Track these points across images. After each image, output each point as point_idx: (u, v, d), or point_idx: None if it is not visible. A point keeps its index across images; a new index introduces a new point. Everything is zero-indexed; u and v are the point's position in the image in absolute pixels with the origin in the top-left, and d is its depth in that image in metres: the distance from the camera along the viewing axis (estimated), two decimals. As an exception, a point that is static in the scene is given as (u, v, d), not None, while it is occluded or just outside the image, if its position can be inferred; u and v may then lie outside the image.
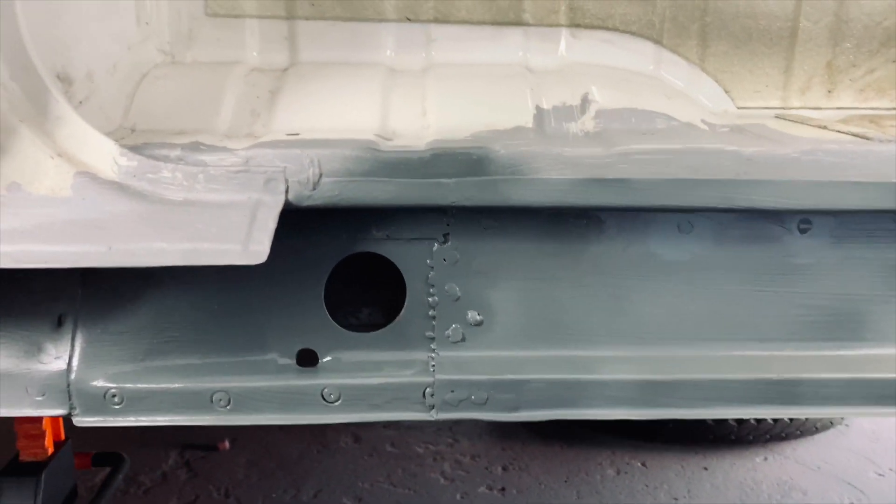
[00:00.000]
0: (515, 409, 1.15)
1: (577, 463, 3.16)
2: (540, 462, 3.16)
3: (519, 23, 1.55)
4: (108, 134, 1.20)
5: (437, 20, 1.54)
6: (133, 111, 1.32)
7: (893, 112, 1.56)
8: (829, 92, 1.59)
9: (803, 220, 1.17)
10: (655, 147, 1.15)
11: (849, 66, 1.58)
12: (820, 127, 1.34)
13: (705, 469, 3.10)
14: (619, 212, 1.15)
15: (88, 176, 1.02)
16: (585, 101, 1.37)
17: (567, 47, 1.57)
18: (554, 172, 1.11)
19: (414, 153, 1.13)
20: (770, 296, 1.19)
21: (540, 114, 1.34)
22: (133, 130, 1.26)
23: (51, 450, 1.80)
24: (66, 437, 1.89)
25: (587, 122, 1.33)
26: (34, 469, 1.73)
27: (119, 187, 1.02)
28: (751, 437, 3.19)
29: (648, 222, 1.18)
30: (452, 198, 1.09)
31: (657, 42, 1.57)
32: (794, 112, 1.57)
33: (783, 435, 3.19)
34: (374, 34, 1.55)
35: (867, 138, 1.19)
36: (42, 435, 1.77)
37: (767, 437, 3.18)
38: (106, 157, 1.04)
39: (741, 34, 1.56)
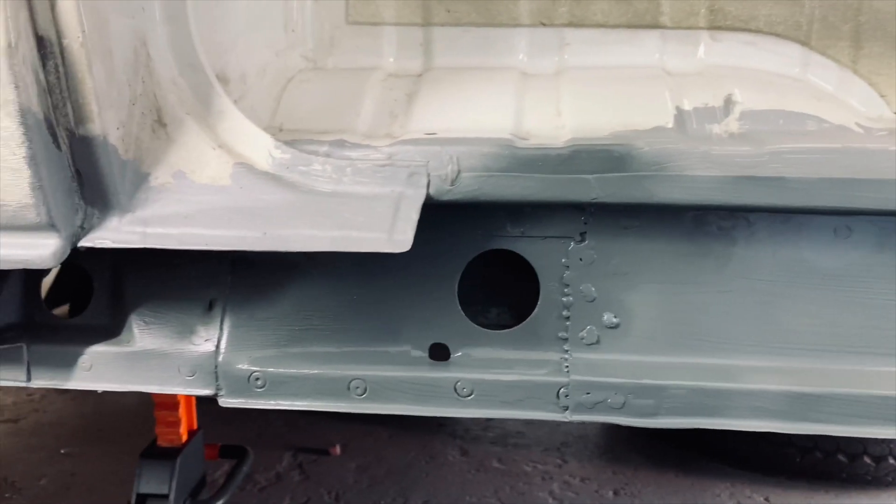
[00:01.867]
0: (654, 415, 1.11)
1: (693, 493, 3.02)
2: (653, 489, 3.04)
3: (656, 25, 1.52)
4: (260, 131, 1.26)
5: (571, 24, 1.54)
6: (280, 112, 1.38)
7: None
8: None
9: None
10: (811, 146, 1.09)
11: None
12: None
13: (836, 509, 2.88)
14: (770, 213, 1.10)
15: (246, 167, 1.08)
16: (729, 103, 1.32)
17: (706, 50, 1.53)
18: (700, 170, 1.07)
19: (552, 150, 1.13)
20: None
21: (680, 114, 1.30)
22: (280, 129, 1.33)
23: (185, 437, 1.90)
24: (198, 427, 1.99)
25: (731, 124, 1.28)
26: (171, 454, 1.83)
27: (273, 178, 1.07)
28: (890, 479, 2.93)
29: (801, 225, 1.11)
30: (594, 194, 1.08)
31: (804, 44, 1.50)
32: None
33: (928, 479, 2.92)
34: (507, 39, 1.56)
35: None
36: (178, 422, 1.87)
37: (909, 479, 2.92)
38: (262, 149, 1.10)
39: (900, 34, 1.46)
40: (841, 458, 2.89)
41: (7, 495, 2.91)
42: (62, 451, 3.26)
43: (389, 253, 1.01)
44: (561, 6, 1.54)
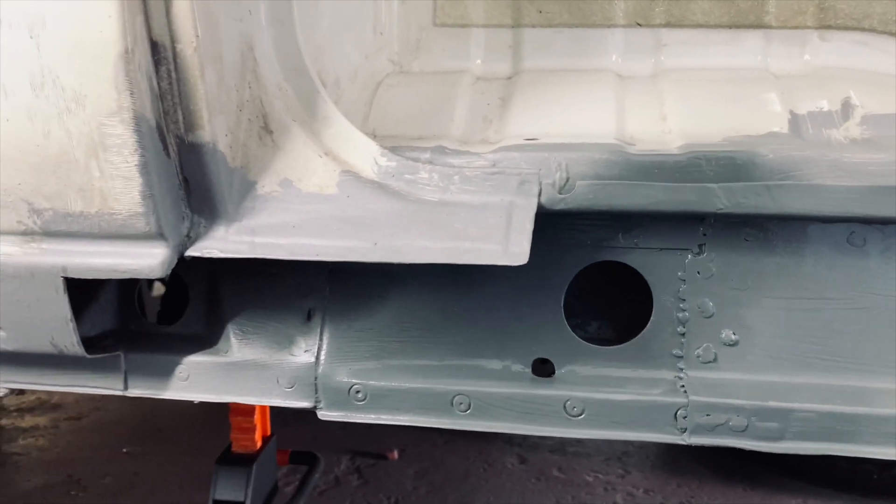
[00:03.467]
0: (779, 438, 1.04)
1: (761, 508, 2.92)
2: (720, 502, 2.95)
3: (760, 25, 1.45)
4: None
5: (669, 24, 1.48)
6: (372, 117, 1.35)
7: None
8: None
9: None
10: (954, 154, 1.01)
11: None
12: None
13: (922, 532, 2.75)
14: None
15: (352, 175, 1.05)
16: (847, 106, 1.25)
17: (813, 50, 1.45)
18: (831, 179, 1.01)
19: (669, 156, 1.07)
20: None
21: (795, 119, 1.23)
22: (374, 135, 1.29)
23: (259, 443, 1.89)
24: (272, 434, 1.97)
25: (851, 128, 1.20)
26: (246, 460, 1.81)
27: (380, 186, 1.04)
28: None
29: None
30: (719, 204, 1.02)
31: (924, 44, 1.41)
32: None
33: None
34: (600, 40, 1.50)
35: None
36: (253, 428, 1.86)
37: None
38: (367, 157, 1.06)
39: None
40: (926, 476, 2.76)
41: (73, 493, 2.95)
42: (124, 450, 3.30)
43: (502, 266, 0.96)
44: (658, 6, 1.48)
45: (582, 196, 1.05)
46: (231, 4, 0.99)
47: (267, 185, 1.03)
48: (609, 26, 1.49)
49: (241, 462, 1.82)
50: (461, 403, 1.11)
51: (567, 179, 1.06)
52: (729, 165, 1.05)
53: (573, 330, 1.17)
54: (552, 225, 1.12)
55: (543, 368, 1.15)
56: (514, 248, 0.95)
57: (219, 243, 1.00)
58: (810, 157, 1.04)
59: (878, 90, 1.33)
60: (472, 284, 1.17)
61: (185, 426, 3.43)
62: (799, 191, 0.99)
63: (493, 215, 1.01)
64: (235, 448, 1.88)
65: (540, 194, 1.05)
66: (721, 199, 1.01)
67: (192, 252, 1.00)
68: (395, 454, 3.23)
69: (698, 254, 1.10)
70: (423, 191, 1.05)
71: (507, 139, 1.22)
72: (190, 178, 0.99)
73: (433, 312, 1.16)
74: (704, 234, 1.09)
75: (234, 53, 1.00)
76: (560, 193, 1.05)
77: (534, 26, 1.52)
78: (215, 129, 0.97)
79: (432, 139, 1.23)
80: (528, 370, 1.14)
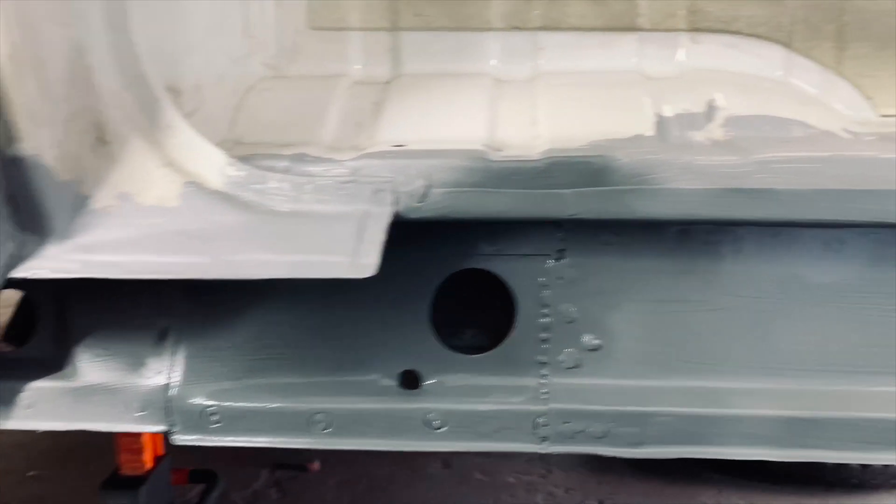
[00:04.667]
0: (638, 444, 1.04)
1: (680, 501, 2.96)
2: (638, 499, 2.98)
3: (634, 28, 1.46)
4: (215, 145, 1.18)
5: (545, 27, 1.47)
6: (239, 123, 1.30)
7: None
8: None
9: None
10: (799, 155, 1.03)
11: None
12: None
13: (824, 515, 2.84)
14: (759, 227, 1.03)
15: (196, 186, 1.00)
16: (711, 108, 1.26)
17: (687, 53, 1.47)
18: (684, 182, 1.01)
19: (528, 163, 1.06)
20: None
21: (661, 121, 1.24)
22: (239, 143, 1.24)
23: (150, 465, 1.80)
24: (166, 453, 1.89)
25: (714, 130, 1.21)
26: (134, 483, 1.73)
27: (226, 198, 0.99)
28: (877, 482, 2.90)
29: (792, 239, 1.05)
30: (571, 210, 1.01)
31: (787, 46, 1.44)
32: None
33: (915, 481, 2.88)
34: (479, 44, 1.49)
35: None
36: (142, 450, 1.77)
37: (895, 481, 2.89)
38: (214, 167, 1.02)
39: (884, 35, 1.41)
40: (827, 462, 2.85)
41: (-28, 522, 2.80)
42: (29, 474, 3.14)
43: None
44: (534, 9, 1.47)
45: (438, 204, 1.03)
46: (55, 8, 0.93)
47: (103, 199, 0.97)
48: (487, 30, 1.48)
49: (128, 485, 1.73)
50: (320, 422, 1.07)
51: (428, 187, 1.04)
52: (584, 170, 1.04)
53: (449, 339, 1.15)
54: (415, 233, 1.10)
55: (411, 381, 1.12)
56: (362, 260, 0.92)
57: (49, 262, 0.94)
58: (664, 161, 1.04)
59: (742, 91, 1.35)
60: (336, 297, 1.13)
61: (98, 446, 3.29)
62: (650, 195, 0.99)
63: (345, 226, 0.98)
64: (124, 471, 1.79)
65: (395, 203, 1.02)
66: (573, 205, 1.01)
67: (19, 273, 0.93)
68: (317, 465, 3.16)
69: (558, 259, 1.09)
70: (274, 201, 1.01)
71: (377, 145, 1.19)
72: (16, 193, 0.93)
73: (296, 327, 1.12)
74: (564, 240, 1.08)
75: (59, 61, 0.94)
76: (417, 202, 1.02)
77: (412, 30, 1.49)
78: (40, 141, 0.91)
79: (300, 146, 1.20)
80: (396, 383, 1.11)
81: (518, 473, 3.12)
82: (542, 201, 1.01)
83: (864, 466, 2.87)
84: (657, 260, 1.08)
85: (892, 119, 1.43)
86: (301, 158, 1.11)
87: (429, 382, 1.11)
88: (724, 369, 1.06)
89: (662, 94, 1.34)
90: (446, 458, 3.21)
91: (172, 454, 1.98)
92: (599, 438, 1.04)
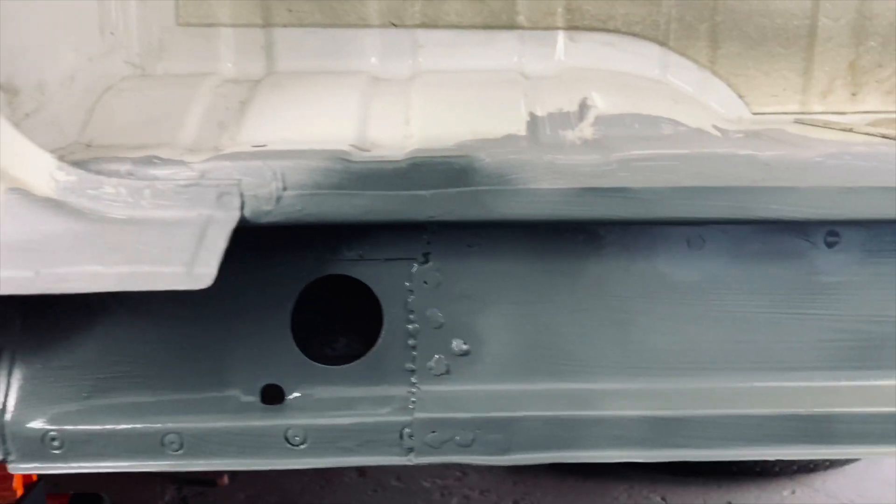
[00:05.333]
0: (506, 451, 1.01)
1: (593, 498, 3.00)
2: (553, 497, 3.00)
3: (513, 26, 1.44)
4: (61, 149, 1.10)
5: (424, 25, 1.43)
6: (92, 126, 1.21)
7: (924, 115, 1.42)
8: (854, 95, 1.45)
9: (830, 232, 1.03)
10: (659, 153, 1.02)
11: (874, 67, 1.44)
12: (845, 130, 1.20)
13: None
14: (621, 226, 1.02)
15: (21, 193, 0.91)
16: (584, 107, 1.25)
17: (565, 51, 1.45)
18: (545, 182, 0.99)
19: (389, 163, 1.01)
20: (795, 319, 1.05)
21: (534, 121, 1.22)
22: (89, 146, 1.16)
23: (20, 492, 1.68)
24: (39, 478, 1.77)
25: (585, 129, 1.20)
26: (0, 513, 1.61)
27: (55, 205, 0.91)
28: (777, 469, 3.00)
29: (654, 237, 1.04)
30: (430, 212, 0.97)
31: (663, 44, 1.45)
32: (815, 118, 1.44)
33: (811, 466, 3.01)
34: (356, 41, 1.44)
35: (901, 140, 1.05)
36: (10, 476, 1.65)
37: (795, 468, 3.00)
38: (42, 171, 0.93)
39: (755, 34, 1.43)
40: (731, 452, 2.93)
41: None
42: None
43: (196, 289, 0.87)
44: (412, 6, 1.43)
45: (292, 208, 0.97)
46: None
47: None
48: (364, 26, 1.43)
49: (-5, 516, 1.61)
50: (173, 443, 1.00)
51: (281, 190, 0.98)
52: (446, 171, 1.00)
53: (319, 348, 1.09)
54: (273, 240, 1.04)
55: (274, 396, 1.06)
56: (199, 270, 0.86)
57: None
58: (526, 161, 1.02)
59: (617, 90, 1.35)
60: (190, 308, 1.06)
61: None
62: (508, 196, 0.97)
63: (185, 232, 0.91)
64: (-8, 500, 1.67)
65: (243, 207, 0.96)
66: (432, 207, 0.97)
67: None
68: (226, 479, 3.05)
69: (424, 263, 1.05)
70: (109, 208, 0.93)
71: (239, 146, 1.13)
72: None
73: (147, 342, 1.05)
74: (429, 243, 1.04)
75: None
76: (268, 206, 0.97)
77: (285, 26, 1.43)
78: None
79: (154, 148, 1.12)
80: (257, 399, 1.05)
81: (434, 478, 3.09)
82: (401, 203, 0.97)
83: (766, 455, 2.97)
84: (523, 261, 1.05)
85: (764, 117, 1.45)
86: (148, 161, 1.03)
87: (293, 397, 1.05)
88: (592, 370, 1.05)
89: (539, 93, 1.32)
90: (362, 467, 3.14)
91: (55, 479, 1.86)
92: (466, 447, 1.01)
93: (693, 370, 1.05)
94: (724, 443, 1.01)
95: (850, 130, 1.19)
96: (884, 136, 1.11)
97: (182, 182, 0.95)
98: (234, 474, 3.05)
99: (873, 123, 1.35)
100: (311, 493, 3.01)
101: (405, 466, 3.09)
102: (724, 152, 1.02)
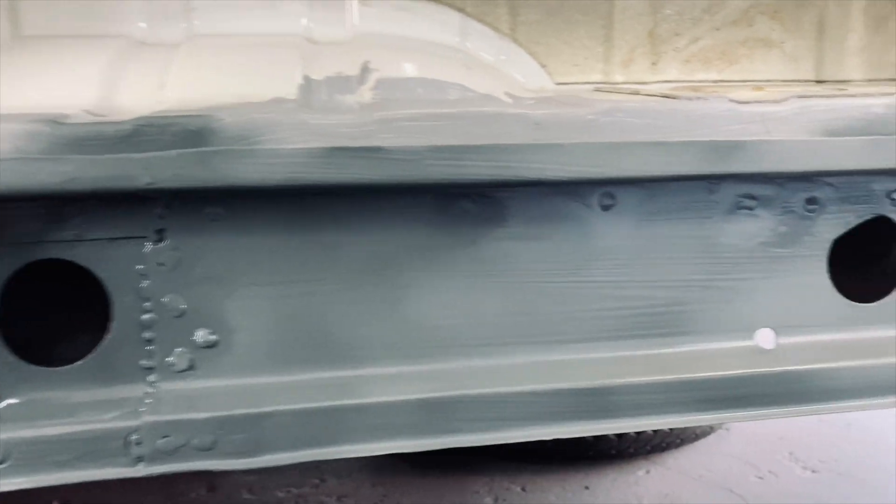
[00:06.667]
0: (253, 452, 0.89)
1: (453, 494, 2.93)
2: (414, 496, 2.91)
3: (301, -11, 1.32)
4: None
5: (197, -14, 1.29)
6: None
7: (721, 84, 1.42)
8: (654, 64, 1.43)
9: (605, 194, 0.98)
10: (424, 112, 0.93)
11: (672, 36, 1.43)
12: (631, 93, 1.16)
13: (586, 488, 2.94)
14: (375, 191, 0.91)
15: None
16: (365, 70, 1.14)
17: (360, 17, 1.35)
18: (294, 143, 0.87)
19: (109, 125, 0.87)
20: (574, 288, 0.98)
21: (308, 84, 1.10)
22: None
23: None
24: None
25: (365, 93, 1.10)
26: None
27: None
28: (632, 450, 3.05)
29: (415, 203, 0.94)
30: (148, 178, 0.83)
31: (461, 10, 1.37)
32: (618, 87, 1.40)
33: (664, 445, 3.07)
34: (119, 4, 1.27)
35: (674, 97, 1.01)
36: None
37: (649, 448, 3.06)
38: None
39: (554, 1, 1.38)
40: (587, 437, 2.94)
41: None
42: None
43: None
44: (182, -35, 1.28)
45: (-22, 178, 0.80)
46: None
47: None
48: (128, -12, 1.27)
49: None
50: None
51: None
52: (178, 133, 0.87)
53: (39, 348, 0.92)
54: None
55: (-19, 405, 0.89)
56: None
57: None
58: (275, 121, 0.90)
59: (408, 56, 1.25)
60: None
61: None
62: (244, 157, 0.84)
63: None
64: None
65: (-88, 179, 0.78)
66: (152, 170, 0.83)
67: None
68: (55, 505, 2.75)
69: (158, 241, 0.90)
70: None
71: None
72: None
73: None
74: (162, 218, 0.90)
75: None
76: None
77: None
78: None
79: None
80: (-42, 410, 0.87)
81: (289, 487, 2.93)
82: (115, 168, 0.83)
83: (619, 436, 3.01)
84: (277, 235, 0.93)
85: (567, 87, 1.41)
86: None
87: (2, 406, 0.88)
88: (356, 355, 0.94)
89: (321, 58, 1.20)
90: (210, 480, 2.94)
91: None
92: (207, 450, 0.87)
93: (468, 348, 0.96)
94: (495, 424, 0.92)
95: (636, 93, 1.15)
96: (664, 97, 1.07)
97: None
98: (67, 497, 2.76)
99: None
100: (154, 514, 2.78)
101: (258, 478, 2.88)
102: (494, 111, 0.94)
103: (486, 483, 2.96)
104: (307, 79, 1.12)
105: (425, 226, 0.93)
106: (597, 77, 1.43)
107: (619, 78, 1.43)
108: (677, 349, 1.00)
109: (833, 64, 1.46)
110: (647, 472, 2.99)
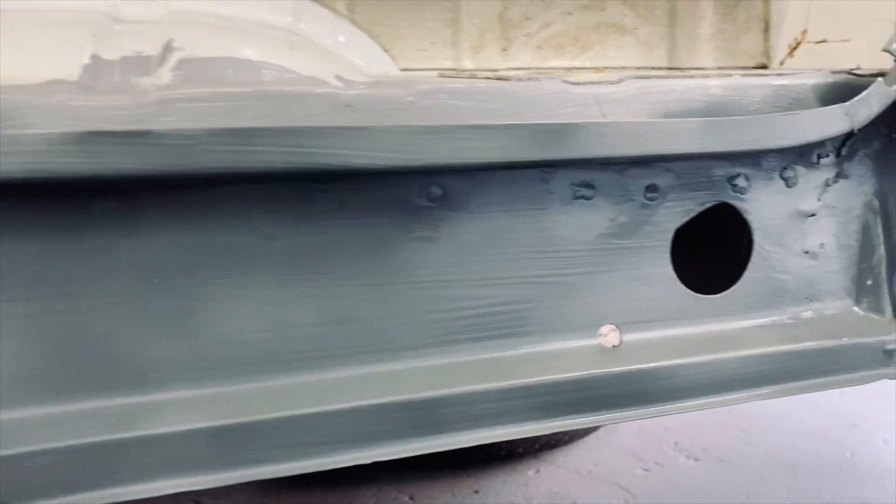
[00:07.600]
0: (14, 501, 0.73)
1: (339, 507, 2.80)
2: (295, 514, 2.75)
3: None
4: None
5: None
6: None
7: (574, 71, 1.36)
8: (505, 50, 1.36)
9: (430, 184, 0.88)
10: (214, 91, 0.80)
11: (523, 20, 1.35)
12: (470, 77, 1.07)
13: (476, 492, 2.87)
14: (148, 184, 0.78)
15: None
16: (168, 50, 1.00)
17: (170, -6, 1.20)
18: (39, 128, 0.72)
19: None
20: (397, 290, 0.88)
21: (96, 65, 0.95)
22: None
23: None
24: None
25: (164, 75, 0.96)
26: None
27: None
28: (521, 450, 3.01)
29: (201, 197, 0.81)
30: None
31: (294, -11, 1.25)
32: (466, 73, 1.32)
33: (553, 442, 3.05)
34: None
35: (505, 79, 0.93)
36: None
37: (538, 446, 3.02)
38: None
39: (394, -21, 1.28)
40: (475, 440, 2.88)
41: None
42: None
43: None
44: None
45: None
46: None
47: None
48: None
49: None
50: None
51: None
52: None
53: None
54: None
55: None
56: None
57: None
58: (27, 102, 0.75)
59: (221, 36, 1.12)
60: None
61: None
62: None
63: None
64: None
65: None
66: None
67: None
68: None
69: None
70: None
71: None
72: None
73: None
74: None
75: None
76: None
77: None
78: None
79: None
80: None
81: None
82: None
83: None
84: (36, 240, 0.77)
85: (412, 73, 1.31)
86: None
87: None
88: (142, 379, 0.79)
89: (120, 36, 1.05)
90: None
91: None
92: None
93: (275, 364, 0.84)
94: (312, 449, 0.81)
95: (473, 77, 1.06)
96: (499, 79, 0.99)
97: None
98: None
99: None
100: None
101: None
102: (298, 90, 0.83)
103: (373, 494, 2.85)
104: (95, 58, 0.97)
105: (216, 224, 0.80)
106: (446, 63, 1.33)
107: (468, 64, 1.34)
108: (515, 352, 0.91)
109: (686, 51, 1.43)
110: (538, 471, 2.95)
